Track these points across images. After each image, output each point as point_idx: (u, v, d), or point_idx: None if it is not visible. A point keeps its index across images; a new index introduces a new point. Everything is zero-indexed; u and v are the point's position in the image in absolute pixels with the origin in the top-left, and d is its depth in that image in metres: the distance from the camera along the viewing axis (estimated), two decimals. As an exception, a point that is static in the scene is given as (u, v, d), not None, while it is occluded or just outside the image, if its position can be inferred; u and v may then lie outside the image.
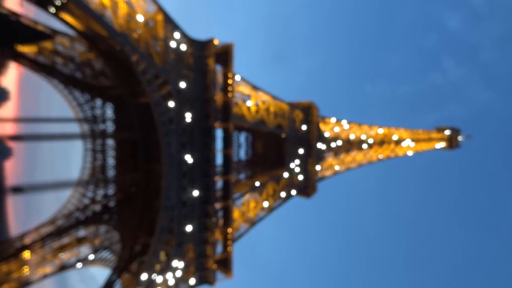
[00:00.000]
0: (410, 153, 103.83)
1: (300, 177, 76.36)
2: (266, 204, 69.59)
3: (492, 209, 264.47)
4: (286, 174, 72.94)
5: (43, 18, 60.36)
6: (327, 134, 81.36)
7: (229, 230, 60.98)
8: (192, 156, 55.26)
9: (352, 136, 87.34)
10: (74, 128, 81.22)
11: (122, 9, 46.39)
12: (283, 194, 73.85)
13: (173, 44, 52.05)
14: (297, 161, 75.31)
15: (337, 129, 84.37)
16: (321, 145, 79.33)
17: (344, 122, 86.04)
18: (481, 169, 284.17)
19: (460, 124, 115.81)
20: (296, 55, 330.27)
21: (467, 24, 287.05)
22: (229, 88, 59.09)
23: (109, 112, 79.95)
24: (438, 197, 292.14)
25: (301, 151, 75.85)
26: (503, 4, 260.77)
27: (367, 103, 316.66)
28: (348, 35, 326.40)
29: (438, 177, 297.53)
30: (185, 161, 54.54)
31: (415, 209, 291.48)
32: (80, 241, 74.99)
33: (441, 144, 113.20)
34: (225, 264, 60.96)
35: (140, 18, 48.11)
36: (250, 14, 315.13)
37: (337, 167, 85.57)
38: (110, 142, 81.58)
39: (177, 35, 52.40)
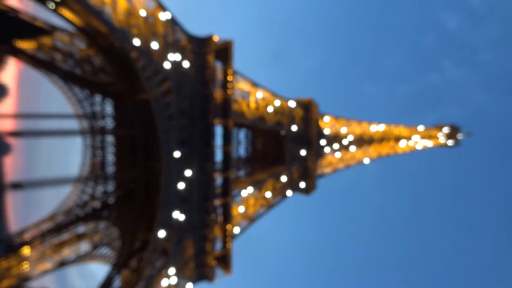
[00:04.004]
0: (414, 144, 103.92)
1: (300, 175, 76.45)
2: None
3: (488, 209, 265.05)
4: (284, 178, 73.09)
5: (42, 14, 60.14)
6: (327, 131, 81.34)
7: (229, 226, 61.08)
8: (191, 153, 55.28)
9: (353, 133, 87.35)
10: (74, 124, 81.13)
11: (122, 5, 46.21)
12: (282, 193, 73.98)
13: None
14: (296, 158, 75.37)
15: (336, 127, 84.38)
16: (323, 142, 79.53)
17: (343, 119, 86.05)
18: (478, 169, 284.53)
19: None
20: (294, 54, 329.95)
21: (465, 25, 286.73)
22: (229, 85, 58.99)
23: (109, 108, 79.81)
24: (434, 196, 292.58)
25: (301, 149, 75.89)
26: (501, 5, 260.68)
27: (365, 103, 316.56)
28: (346, 34, 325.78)
29: (434, 176, 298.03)
30: (185, 158, 54.56)
31: (412, 209, 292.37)
32: (79, 237, 75.09)
33: (440, 140, 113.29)
34: (224, 261, 61.11)
35: (142, 13, 47.97)
36: (248, 14, 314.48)
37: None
38: (110, 138, 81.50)
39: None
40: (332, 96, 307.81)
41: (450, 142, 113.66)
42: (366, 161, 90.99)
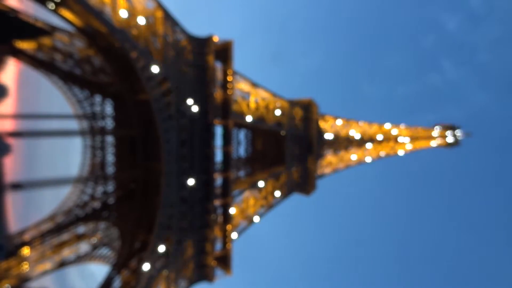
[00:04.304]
0: (408, 147, 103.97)
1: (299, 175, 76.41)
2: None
3: (488, 209, 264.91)
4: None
5: (42, 14, 60.13)
6: (327, 134, 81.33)
7: (229, 227, 61.04)
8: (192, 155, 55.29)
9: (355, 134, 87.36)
10: (74, 124, 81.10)
11: (122, 5, 46.18)
12: (282, 193, 73.93)
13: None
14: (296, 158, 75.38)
15: (336, 127, 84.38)
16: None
17: (342, 119, 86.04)
18: (477, 169, 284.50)
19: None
20: (294, 55, 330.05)
21: (465, 25, 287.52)
22: (229, 85, 58.96)
23: (109, 108, 79.78)
24: (434, 197, 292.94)
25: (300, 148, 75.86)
26: (500, 6, 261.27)
27: (365, 103, 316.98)
28: (346, 35, 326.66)
29: (434, 177, 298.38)
30: (185, 159, 54.53)
31: (411, 209, 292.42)
32: (79, 237, 75.03)
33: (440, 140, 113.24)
34: (224, 261, 61.07)
35: (141, 20, 47.93)
36: (247, 14, 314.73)
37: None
38: (110, 139, 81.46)
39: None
40: (331, 96, 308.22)
41: (450, 139, 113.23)
42: (368, 159, 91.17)
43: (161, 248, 52.21)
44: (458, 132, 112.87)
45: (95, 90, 77.35)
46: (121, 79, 67.10)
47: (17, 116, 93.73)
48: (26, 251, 69.68)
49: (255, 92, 65.78)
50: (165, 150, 51.62)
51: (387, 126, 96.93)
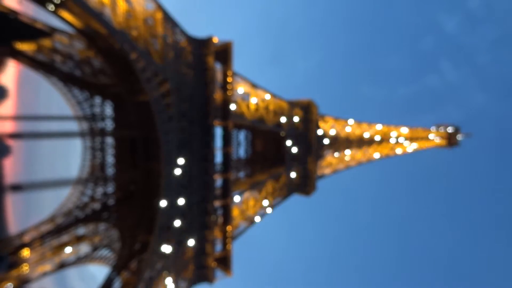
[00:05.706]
0: (409, 149, 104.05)
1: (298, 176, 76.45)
2: (266, 202, 69.67)
3: (487, 211, 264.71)
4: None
5: (42, 16, 60.21)
6: (325, 139, 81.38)
7: (229, 228, 61.03)
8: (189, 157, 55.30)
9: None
10: (73, 126, 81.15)
11: (121, 7, 46.24)
12: (282, 194, 73.95)
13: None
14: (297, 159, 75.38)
15: (336, 127, 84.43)
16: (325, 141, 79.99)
17: (347, 120, 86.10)
18: (476, 170, 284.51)
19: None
20: (293, 56, 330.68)
21: (464, 27, 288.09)
22: (229, 86, 59.01)
23: (109, 110, 79.82)
24: (433, 198, 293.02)
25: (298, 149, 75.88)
26: (499, 8, 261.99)
27: (364, 105, 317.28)
28: (345, 36, 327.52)
29: (433, 177, 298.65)
30: (184, 159, 54.54)
31: (410, 210, 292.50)
32: (79, 239, 74.98)
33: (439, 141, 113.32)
34: (224, 262, 61.03)
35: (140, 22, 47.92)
36: (247, 16, 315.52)
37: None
38: (110, 140, 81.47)
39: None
40: (331, 98, 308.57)
41: (449, 143, 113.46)
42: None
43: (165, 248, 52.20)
44: (459, 134, 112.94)
45: (95, 91, 77.39)
46: (121, 80, 67.14)
47: (17, 118, 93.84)
48: (26, 252, 69.64)
49: (255, 93, 65.85)
50: (165, 151, 51.63)
51: (387, 127, 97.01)
